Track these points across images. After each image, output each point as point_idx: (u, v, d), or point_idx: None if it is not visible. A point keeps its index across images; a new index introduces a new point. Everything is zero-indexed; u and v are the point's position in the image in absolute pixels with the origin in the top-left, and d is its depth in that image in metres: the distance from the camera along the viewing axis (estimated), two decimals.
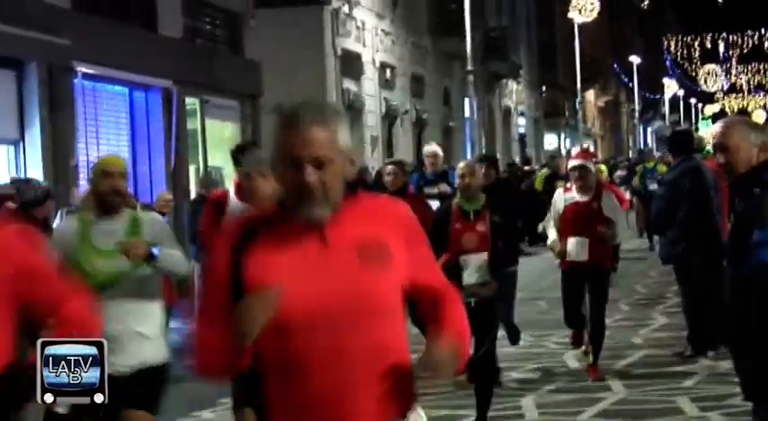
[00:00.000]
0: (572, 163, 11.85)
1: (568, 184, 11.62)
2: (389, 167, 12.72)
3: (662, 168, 24.66)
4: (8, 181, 13.51)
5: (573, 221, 11.26)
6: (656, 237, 23.82)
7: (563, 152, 55.88)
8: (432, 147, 15.65)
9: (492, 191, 10.40)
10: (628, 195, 26.91)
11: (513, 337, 12.40)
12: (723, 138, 5.21)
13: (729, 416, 9.46)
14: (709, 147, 30.70)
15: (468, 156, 39.68)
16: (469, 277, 9.35)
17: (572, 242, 11.28)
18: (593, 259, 11.22)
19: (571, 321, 11.87)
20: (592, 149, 58.24)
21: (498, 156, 45.61)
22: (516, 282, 12.11)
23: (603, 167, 17.65)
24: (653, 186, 23.95)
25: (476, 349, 9.10)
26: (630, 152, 72.19)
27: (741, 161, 5.16)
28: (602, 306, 11.51)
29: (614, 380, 11.34)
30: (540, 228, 13.21)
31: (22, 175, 18.16)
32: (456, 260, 9.30)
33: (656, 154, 42.72)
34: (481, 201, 9.50)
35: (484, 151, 42.90)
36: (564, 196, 11.51)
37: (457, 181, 9.77)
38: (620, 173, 31.42)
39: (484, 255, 9.40)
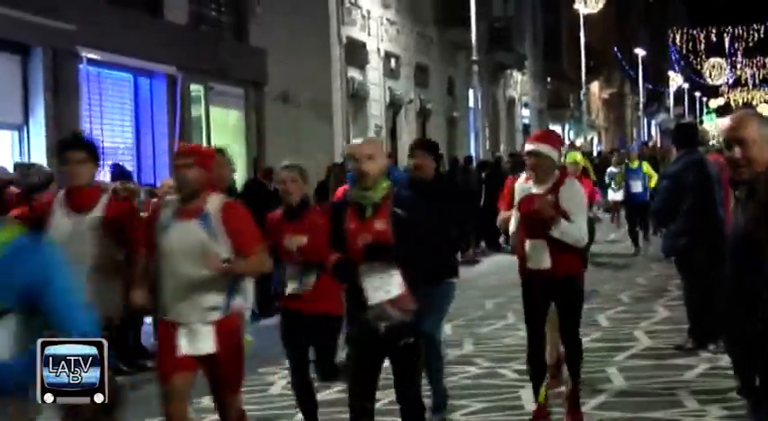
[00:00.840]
0: (525, 147, 9.50)
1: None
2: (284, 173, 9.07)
3: (648, 169, 23.79)
4: (12, 166, 13.50)
5: (526, 219, 9.13)
6: (642, 240, 23.91)
7: (566, 143, 55.85)
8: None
9: (430, 187, 9.12)
10: (619, 196, 24.63)
11: (437, 401, 9.61)
12: (738, 131, 5.04)
13: (729, 410, 9.48)
14: (713, 141, 30.11)
15: (472, 147, 39.70)
16: (374, 292, 7.09)
17: (528, 246, 9.12)
18: (557, 267, 9.01)
19: (532, 352, 9.43)
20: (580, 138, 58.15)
21: (502, 146, 45.70)
22: (451, 298, 9.72)
23: (579, 157, 15.27)
24: (637, 189, 23.33)
25: (397, 395, 7.54)
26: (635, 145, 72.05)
27: (758, 155, 4.99)
28: (574, 324, 9.30)
29: (615, 372, 11.35)
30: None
31: (26, 160, 18.19)
32: (353, 268, 7.13)
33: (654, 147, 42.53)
34: (381, 192, 7.21)
35: (488, 142, 42.95)
36: (523, 186, 9.35)
37: (350, 166, 7.53)
38: (612, 169, 25.69)
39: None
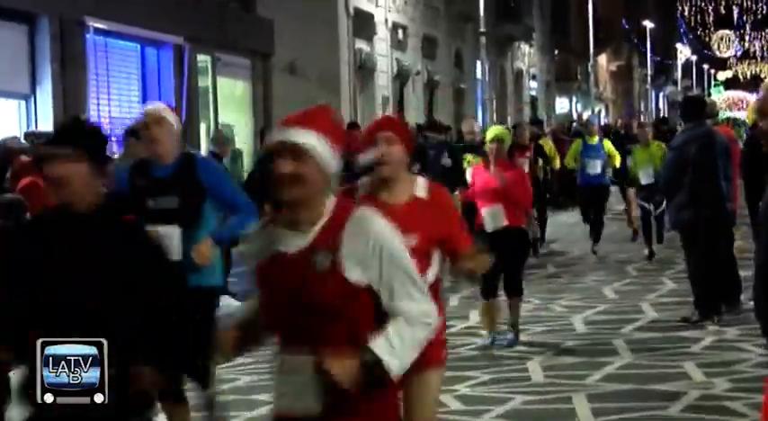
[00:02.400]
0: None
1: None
2: None
3: (609, 147, 19.55)
4: (23, 135, 13.52)
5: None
6: (592, 243, 19.42)
7: (575, 116, 55.75)
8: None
9: None
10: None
11: None
12: (765, 103, 4.92)
13: (735, 382, 9.48)
14: (726, 113, 29.56)
15: (479, 119, 39.65)
16: None
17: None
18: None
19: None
20: (598, 115, 58.00)
21: (509, 118, 45.63)
22: None
23: (502, 132, 13.07)
24: (595, 170, 19.17)
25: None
26: (643, 117, 71.91)
27: None
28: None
29: (621, 345, 11.36)
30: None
31: (34, 130, 18.17)
32: None
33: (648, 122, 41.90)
34: None
35: (495, 114, 42.87)
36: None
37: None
38: None
39: None
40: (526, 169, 16.76)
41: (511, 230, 11.07)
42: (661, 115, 71.62)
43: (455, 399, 9.37)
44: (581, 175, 19.41)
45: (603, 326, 12.54)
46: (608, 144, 19.66)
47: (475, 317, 13.53)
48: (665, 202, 15.46)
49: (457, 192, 13.14)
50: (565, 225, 24.13)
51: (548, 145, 21.83)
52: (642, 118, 66.08)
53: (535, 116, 41.23)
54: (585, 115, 53.61)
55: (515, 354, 11.15)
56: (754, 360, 10.24)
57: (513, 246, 11.02)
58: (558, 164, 21.92)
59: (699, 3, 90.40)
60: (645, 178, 16.97)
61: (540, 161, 20.01)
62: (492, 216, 11.12)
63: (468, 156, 16.21)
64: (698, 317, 12.27)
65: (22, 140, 11.56)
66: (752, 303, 4.78)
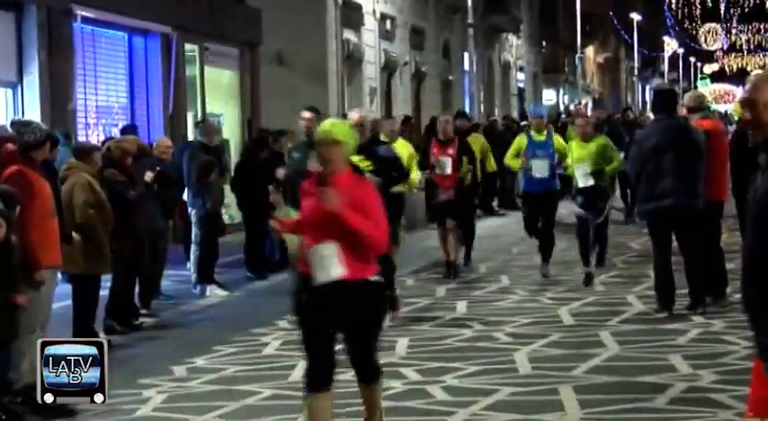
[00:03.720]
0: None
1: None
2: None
3: (560, 143, 15.97)
4: (8, 123, 13.47)
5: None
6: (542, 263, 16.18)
7: (561, 107, 55.78)
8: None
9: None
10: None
11: None
12: (751, 93, 4.90)
13: (721, 375, 9.51)
14: (712, 106, 29.42)
15: (467, 110, 39.66)
16: None
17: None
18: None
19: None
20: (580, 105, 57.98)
21: (497, 110, 45.64)
22: None
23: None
24: (542, 173, 15.57)
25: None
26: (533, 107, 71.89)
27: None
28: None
29: (607, 337, 11.39)
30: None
31: (21, 118, 18.12)
32: None
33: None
34: None
35: (482, 105, 42.88)
36: None
37: None
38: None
39: None
40: (448, 170, 15.83)
41: (352, 289, 7.20)
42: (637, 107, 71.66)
43: (442, 391, 9.39)
44: (524, 179, 15.93)
45: (590, 318, 12.57)
46: (559, 140, 16.02)
47: (462, 309, 13.56)
48: (608, 207, 15.26)
49: None
50: None
51: (478, 142, 19.27)
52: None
53: (461, 112, 29.90)
54: (572, 107, 53.62)
55: (502, 346, 11.17)
56: (740, 352, 10.27)
57: (360, 316, 7.36)
58: (492, 164, 20.30)
59: None
60: (583, 179, 14.82)
61: (466, 160, 15.86)
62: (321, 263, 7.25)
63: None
64: (657, 308, 12.34)
65: (8, 129, 11.52)
66: (738, 296, 4.79)
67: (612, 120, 24.18)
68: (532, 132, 16.10)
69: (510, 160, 16.20)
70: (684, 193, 12.09)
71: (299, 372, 10.30)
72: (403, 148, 14.61)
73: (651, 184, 12.19)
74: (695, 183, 12.17)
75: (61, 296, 11.02)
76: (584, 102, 59.72)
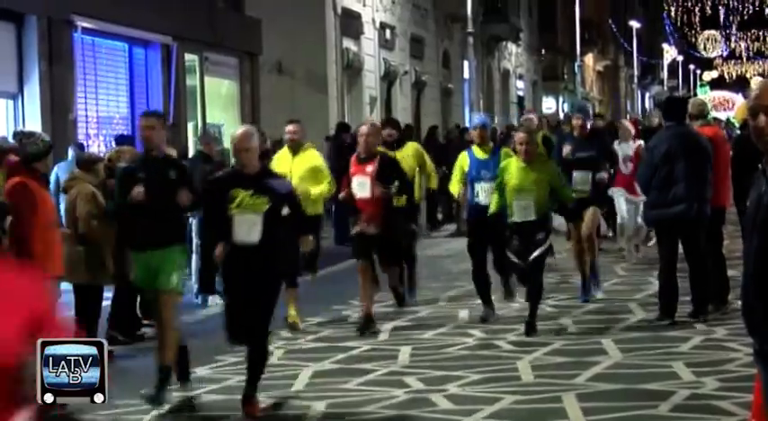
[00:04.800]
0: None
1: None
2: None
3: (510, 156, 12.62)
4: (11, 134, 13.49)
5: None
6: (504, 292, 14.07)
7: (561, 116, 55.77)
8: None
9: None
10: None
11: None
12: (763, 99, 4.80)
13: (724, 382, 9.51)
14: (713, 113, 29.03)
15: (467, 119, 39.66)
16: None
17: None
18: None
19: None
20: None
21: (497, 118, 45.66)
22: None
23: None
24: (483, 197, 12.63)
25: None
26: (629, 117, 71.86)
27: None
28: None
29: (610, 344, 11.38)
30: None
31: (21, 129, 18.14)
32: None
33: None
34: None
35: (482, 113, 42.87)
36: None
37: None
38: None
39: None
40: (366, 192, 12.49)
41: None
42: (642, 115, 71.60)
43: (445, 399, 9.38)
44: (469, 204, 13.15)
45: (592, 325, 12.56)
46: (510, 154, 12.80)
47: (464, 316, 13.56)
48: (548, 242, 12.02)
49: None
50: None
51: (413, 155, 14.90)
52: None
53: (391, 119, 19.70)
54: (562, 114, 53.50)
55: (505, 354, 11.16)
56: (742, 359, 10.26)
57: None
58: (434, 183, 16.07)
59: (685, 3, 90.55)
60: (521, 213, 11.93)
61: (397, 183, 12.67)
62: None
63: None
64: (658, 317, 12.35)
65: (10, 140, 11.55)
66: (740, 303, 4.78)
67: (599, 132, 16.44)
68: (474, 148, 13.06)
69: (453, 186, 13.28)
70: (696, 199, 12.15)
71: (302, 382, 10.31)
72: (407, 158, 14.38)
73: (663, 191, 12.19)
74: (706, 189, 12.24)
75: (63, 306, 11.02)
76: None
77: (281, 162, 13.29)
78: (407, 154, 14.71)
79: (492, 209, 12.27)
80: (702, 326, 12.03)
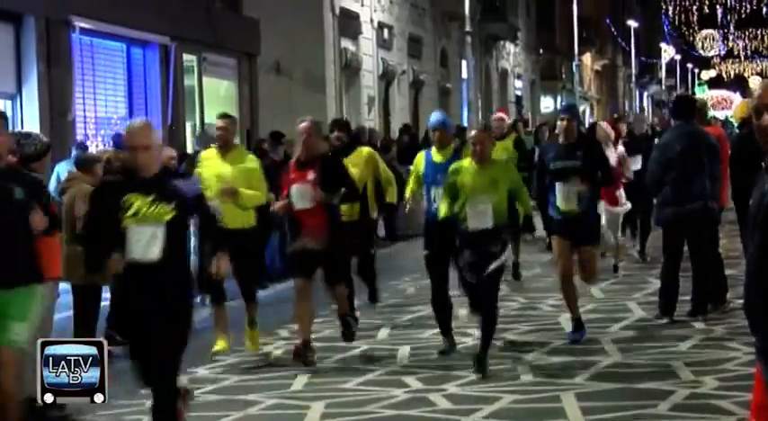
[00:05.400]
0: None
1: None
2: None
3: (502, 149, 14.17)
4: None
5: None
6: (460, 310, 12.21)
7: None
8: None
9: None
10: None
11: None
12: (765, 98, 4.75)
13: (723, 381, 9.51)
14: (711, 112, 28.41)
15: (465, 118, 39.65)
16: None
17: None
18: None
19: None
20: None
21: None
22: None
23: None
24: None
25: None
26: (630, 117, 71.79)
27: None
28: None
29: (609, 344, 11.39)
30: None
31: (20, 129, 18.14)
32: None
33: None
34: None
35: (480, 113, 42.91)
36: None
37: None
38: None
39: None
40: (307, 202, 10.80)
41: None
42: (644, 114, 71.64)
43: (444, 398, 9.39)
44: (428, 212, 11.26)
45: (591, 325, 12.54)
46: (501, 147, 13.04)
47: (463, 316, 13.55)
48: (504, 256, 10.39)
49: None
50: None
51: (365, 161, 13.09)
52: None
53: (339, 121, 16.41)
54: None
55: (503, 353, 11.16)
56: (741, 358, 10.27)
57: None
58: (392, 195, 13.67)
59: (683, 2, 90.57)
60: (475, 219, 10.33)
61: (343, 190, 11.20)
62: None
63: None
64: (658, 316, 12.35)
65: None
66: (739, 302, 4.78)
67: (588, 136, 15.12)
68: (432, 150, 11.42)
69: (409, 192, 11.78)
70: (712, 197, 12.19)
71: (300, 382, 10.31)
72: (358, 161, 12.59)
73: (676, 189, 12.17)
74: (716, 187, 12.28)
75: (62, 307, 11.02)
76: (581, 109, 59.65)
77: (209, 164, 11.55)
78: (358, 160, 12.85)
79: (441, 213, 10.56)
80: (701, 325, 12.03)
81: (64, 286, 11.37)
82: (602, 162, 11.88)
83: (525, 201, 10.82)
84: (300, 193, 10.81)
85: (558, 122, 12.10)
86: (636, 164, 16.66)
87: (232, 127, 11.79)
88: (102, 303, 11.90)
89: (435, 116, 11.78)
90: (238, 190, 11.19)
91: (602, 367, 10.35)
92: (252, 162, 11.65)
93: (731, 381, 9.44)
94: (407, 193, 11.80)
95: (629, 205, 16.30)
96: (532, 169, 12.85)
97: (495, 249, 10.26)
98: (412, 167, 11.68)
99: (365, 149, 13.50)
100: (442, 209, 10.57)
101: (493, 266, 10.23)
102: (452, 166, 10.62)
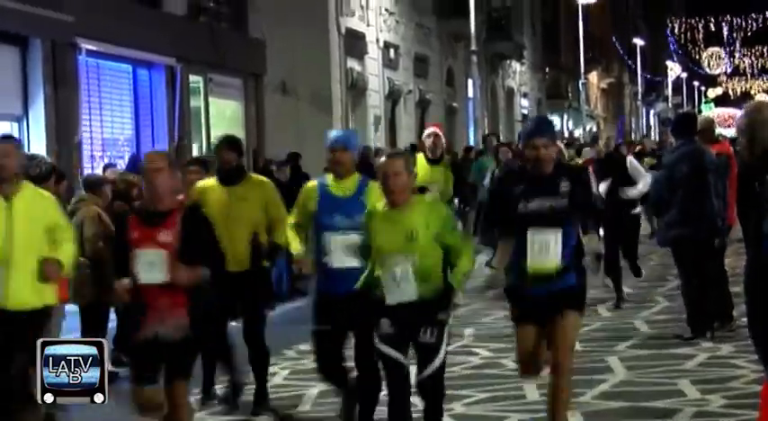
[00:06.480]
0: None
1: None
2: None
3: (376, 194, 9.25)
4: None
5: None
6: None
7: (565, 134, 55.81)
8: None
9: None
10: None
11: None
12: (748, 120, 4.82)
13: (730, 399, 9.50)
14: (719, 130, 28.31)
15: (471, 137, 39.69)
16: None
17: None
18: None
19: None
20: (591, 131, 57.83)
21: (501, 136, 45.67)
22: None
23: None
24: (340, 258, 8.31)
25: None
26: (634, 135, 71.90)
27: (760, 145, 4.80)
28: None
29: (615, 362, 11.37)
30: None
31: (26, 152, 18.16)
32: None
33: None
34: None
35: (486, 132, 42.94)
36: None
37: None
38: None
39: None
40: (159, 274, 7.33)
41: None
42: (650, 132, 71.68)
43: (451, 418, 9.36)
44: (321, 271, 8.66)
45: (598, 343, 12.54)
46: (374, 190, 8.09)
47: (470, 336, 13.54)
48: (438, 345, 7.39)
49: None
50: None
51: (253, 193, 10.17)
52: (634, 136, 65.19)
53: (197, 159, 14.69)
54: (577, 133, 53.57)
55: (510, 373, 11.15)
56: (748, 376, 10.25)
57: None
58: (283, 238, 9.71)
59: (688, 20, 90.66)
60: (393, 290, 7.34)
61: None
62: None
63: None
64: (690, 335, 12.30)
65: None
66: (745, 319, 4.79)
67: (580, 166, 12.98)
68: (328, 179, 8.57)
69: (290, 234, 8.87)
70: (710, 217, 12.12)
71: (307, 402, 10.29)
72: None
73: (683, 209, 12.13)
74: (721, 206, 12.23)
75: (69, 330, 11.03)
76: (588, 127, 59.67)
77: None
78: (249, 193, 9.84)
79: (358, 284, 7.65)
80: (708, 344, 12.01)
81: (70, 308, 11.39)
82: (590, 196, 8.19)
83: (463, 262, 7.42)
84: (149, 262, 7.35)
85: (528, 150, 7.86)
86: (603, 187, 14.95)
87: (15, 157, 8.82)
88: (110, 324, 11.92)
89: (335, 132, 8.93)
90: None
91: (608, 386, 10.34)
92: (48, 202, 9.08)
93: (738, 399, 9.42)
94: (293, 242, 8.75)
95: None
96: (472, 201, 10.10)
97: (427, 339, 7.33)
98: (298, 201, 8.71)
99: (256, 177, 10.46)
100: (361, 279, 7.65)
101: (429, 371, 7.43)
102: (366, 212, 7.60)
